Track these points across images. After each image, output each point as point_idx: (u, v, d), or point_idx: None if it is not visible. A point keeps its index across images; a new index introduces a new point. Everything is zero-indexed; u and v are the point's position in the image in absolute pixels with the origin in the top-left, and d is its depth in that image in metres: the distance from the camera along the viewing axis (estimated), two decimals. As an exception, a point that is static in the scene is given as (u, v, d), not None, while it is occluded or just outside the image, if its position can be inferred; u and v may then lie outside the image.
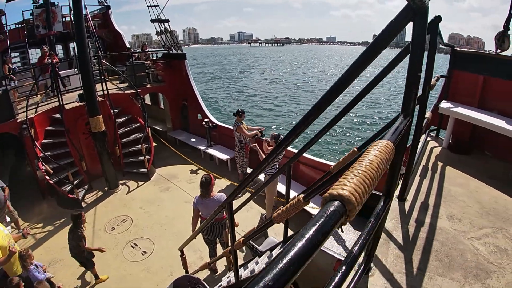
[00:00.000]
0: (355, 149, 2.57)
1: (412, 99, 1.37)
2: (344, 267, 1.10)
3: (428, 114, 3.75)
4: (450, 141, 4.39)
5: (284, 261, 0.58)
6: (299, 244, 0.61)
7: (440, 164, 3.72)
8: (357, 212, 0.70)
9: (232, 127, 9.05)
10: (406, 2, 1.13)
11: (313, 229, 0.63)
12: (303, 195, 1.52)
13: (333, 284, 0.99)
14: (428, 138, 4.69)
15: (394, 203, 2.77)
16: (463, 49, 4.99)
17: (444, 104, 4.36)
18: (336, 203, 0.68)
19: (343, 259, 2.46)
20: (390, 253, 2.14)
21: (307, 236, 0.63)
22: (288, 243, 0.63)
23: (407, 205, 2.75)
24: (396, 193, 2.87)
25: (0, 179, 7.22)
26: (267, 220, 2.28)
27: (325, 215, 0.66)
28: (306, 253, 0.61)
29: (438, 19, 2.38)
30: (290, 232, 4.32)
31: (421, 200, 2.84)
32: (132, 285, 5.84)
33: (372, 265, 2.00)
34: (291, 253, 0.60)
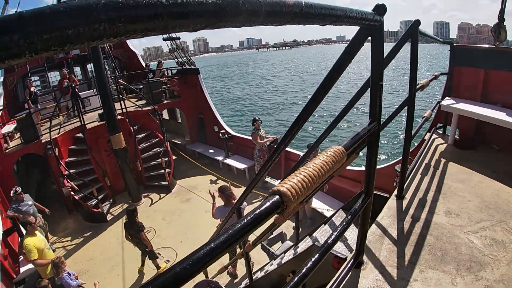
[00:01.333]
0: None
1: (377, 106, 1.47)
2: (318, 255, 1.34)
3: (427, 113, 3.78)
4: (456, 137, 4.36)
5: (222, 238, 0.71)
6: (239, 225, 0.75)
7: (443, 160, 3.71)
8: (295, 205, 0.87)
9: (247, 137, 9.31)
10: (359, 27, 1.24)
11: (253, 214, 0.78)
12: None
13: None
14: (435, 136, 4.68)
15: (393, 201, 2.80)
16: (461, 45, 4.92)
17: (447, 101, 4.33)
18: (276, 197, 0.84)
19: (342, 256, 2.63)
20: (383, 248, 2.18)
21: (247, 218, 0.77)
22: (231, 225, 0.76)
23: (405, 202, 2.77)
24: (395, 192, 2.89)
25: (29, 197, 7.62)
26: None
27: (265, 205, 0.81)
28: (243, 230, 0.75)
29: (417, 23, 2.41)
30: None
31: (419, 197, 2.84)
32: None
33: (364, 259, 2.06)
34: (230, 231, 0.73)
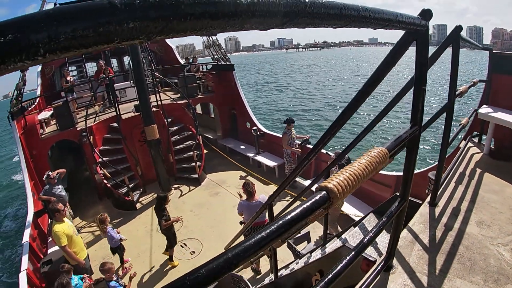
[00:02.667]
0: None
1: (418, 110, 1.47)
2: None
3: (464, 120, 3.68)
4: (492, 147, 4.20)
5: (273, 226, 0.78)
6: (288, 216, 0.80)
7: (478, 170, 3.60)
8: (340, 201, 0.91)
9: (279, 135, 9.29)
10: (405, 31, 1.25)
11: (301, 207, 0.83)
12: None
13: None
14: (470, 144, 4.53)
15: (425, 208, 2.77)
16: (502, 52, 4.75)
17: (484, 109, 4.15)
18: (323, 192, 0.89)
19: (371, 259, 2.66)
20: (413, 254, 2.17)
21: (295, 211, 0.82)
22: (281, 215, 0.82)
23: (437, 210, 2.74)
24: (428, 199, 2.86)
25: (60, 181, 7.85)
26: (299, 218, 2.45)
27: (312, 200, 0.86)
28: (292, 222, 0.80)
29: (458, 29, 2.36)
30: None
31: (452, 205, 2.80)
32: None
33: (394, 264, 2.06)
34: (280, 222, 0.79)
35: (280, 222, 0.79)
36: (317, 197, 0.87)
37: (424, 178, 5.54)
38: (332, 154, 8.23)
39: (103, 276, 5.48)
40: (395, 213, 1.67)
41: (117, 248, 6.41)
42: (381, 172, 7.46)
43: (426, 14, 1.25)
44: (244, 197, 5.78)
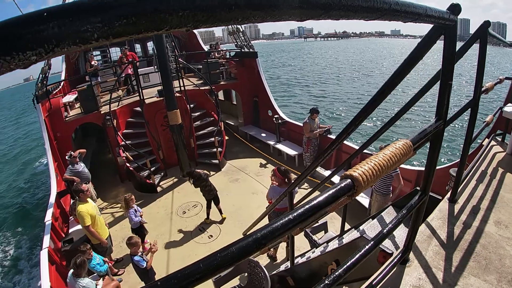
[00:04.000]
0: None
1: (444, 104, 1.47)
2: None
3: (488, 118, 3.61)
4: None
5: (300, 210, 0.81)
6: (314, 201, 0.83)
7: (500, 169, 3.54)
8: (365, 189, 0.93)
9: (300, 124, 9.29)
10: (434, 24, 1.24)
11: (327, 194, 0.86)
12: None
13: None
14: (493, 142, 4.40)
15: (445, 204, 2.76)
16: None
17: (509, 108, 4.10)
18: (348, 180, 0.91)
19: (388, 251, 2.67)
20: (430, 249, 2.18)
21: (321, 197, 0.85)
22: (305, 201, 0.84)
23: (457, 207, 2.72)
24: (448, 195, 2.84)
25: (82, 160, 8.12)
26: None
27: (337, 187, 0.89)
28: (318, 207, 0.83)
29: (487, 24, 2.30)
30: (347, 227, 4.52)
31: (472, 203, 2.78)
32: None
33: (411, 257, 2.08)
34: (307, 206, 0.82)
35: (307, 206, 0.82)
36: (342, 185, 0.90)
37: (446, 174, 5.50)
38: (353, 146, 8.20)
39: (122, 257, 5.66)
40: (415, 207, 1.69)
41: (138, 230, 6.57)
42: (402, 166, 7.39)
43: (455, 9, 1.25)
44: (276, 183, 5.72)
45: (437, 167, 5.76)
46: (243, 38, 13.19)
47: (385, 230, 1.59)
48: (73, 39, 0.42)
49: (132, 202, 6.46)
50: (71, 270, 4.74)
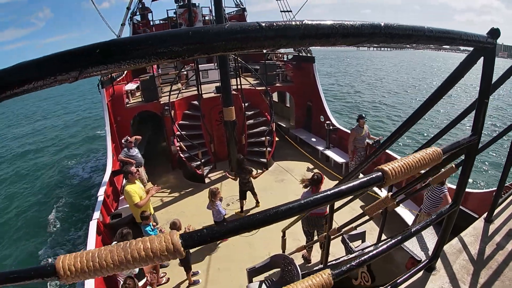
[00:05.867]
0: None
1: (479, 121, 1.53)
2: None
3: None
4: None
5: (335, 190, 0.95)
6: (342, 187, 0.98)
7: None
8: (392, 182, 1.07)
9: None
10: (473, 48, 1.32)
11: (358, 181, 1.00)
12: (391, 193, 1.87)
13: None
14: None
15: (480, 223, 2.74)
16: None
17: None
18: (379, 173, 1.05)
19: (418, 258, 2.75)
20: (458, 262, 2.20)
21: (352, 183, 0.99)
22: (338, 184, 1.00)
23: (492, 227, 2.69)
24: (485, 215, 2.78)
25: (137, 146, 8.71)
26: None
27: (369, 177, 1.03)
28: (347, 191, 0.98)
29: None
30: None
31: (509, 226, 2.72)
32: (234, 255, 6.58)
33: (438, 266, 2.11)
34: (336, 189, 0.96)
35: (343, 187, 0.98)
36: (373, 175, 1.04)
37: (489, 198, 5.37)
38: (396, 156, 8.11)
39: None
40: (445, 214, 1.78)
41: (219, 223, 6.64)
42: (450, 186, 7.20)
43: (494, 33, 1.32)
44: (308, 189, 5.83)
45: (485, 190, 5.66)
46: None
47: (413, 229, 1.71)
48: (167, 55, 0.63)
49: (218, 196, 6.75)
50: (115, 242, 5.02)
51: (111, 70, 0.63)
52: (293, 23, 0.71)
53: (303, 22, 0.71)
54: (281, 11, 13.10)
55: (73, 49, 0.59)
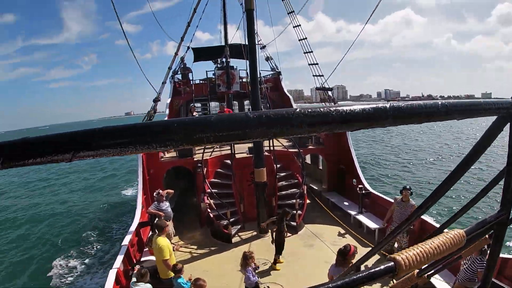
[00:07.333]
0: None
1: (508, 193, 1.37)
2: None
3: None
4: None
5: (337, 282, 0.85)
6: (353, 277, 0.88)
7: None
8: (405, 273, 0.97)
9: (384, 196, 9.03)
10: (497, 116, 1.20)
11: (367, 272, 0.90)
12: (418, 270, 1.70)
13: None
14: None
15: None
16: None
17: None
18: (391, 263, 0.94)
19: None
20: None
21: (360, 274, 0.89)
22: (347, 274, 0.94)
23: None
24: None
25: (168, 200, 8.86)
26: None
27: (379, 267, 0.92)
28: (354, 282, 0.87)
29: None
30: None
31: None
32: None
33: None
34: (339, 282, 0.86)
35: (346, 279, 0.88)
36: (383, 266, 0.94)
37: None
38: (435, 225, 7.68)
39: None
40: None
41: None
42: None
43: None
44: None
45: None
46: (331, 97, 13.62)
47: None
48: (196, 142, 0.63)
49: (252, 260, 6.44)
50: (134, 279, 5.13)
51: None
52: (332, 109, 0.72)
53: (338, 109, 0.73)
54: (313, 76, 13.36)
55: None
